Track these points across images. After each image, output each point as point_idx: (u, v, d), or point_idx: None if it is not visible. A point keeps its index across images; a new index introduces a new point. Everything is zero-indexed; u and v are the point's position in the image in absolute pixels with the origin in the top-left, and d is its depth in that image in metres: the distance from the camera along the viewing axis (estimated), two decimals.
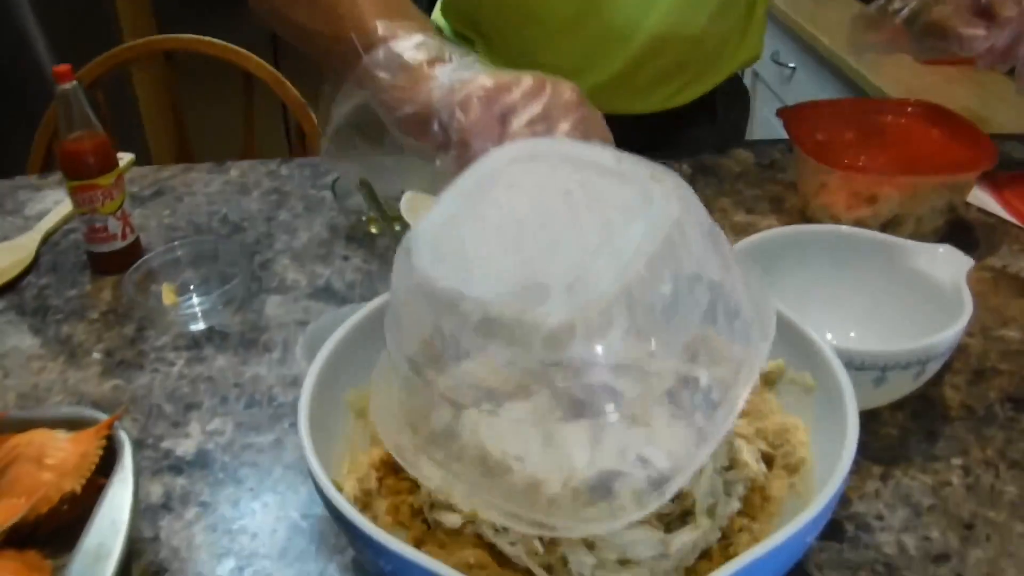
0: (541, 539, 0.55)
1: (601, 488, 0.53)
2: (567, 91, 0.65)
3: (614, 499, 0.53)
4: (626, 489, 0.53)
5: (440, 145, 0.66)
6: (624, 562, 0.55)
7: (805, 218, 1.04)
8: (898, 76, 1.64)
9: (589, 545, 0.55)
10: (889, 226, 0.97)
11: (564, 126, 0.63)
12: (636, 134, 1.21)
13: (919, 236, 0.87)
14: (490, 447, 0.56)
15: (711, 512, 0.58)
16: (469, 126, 0.63)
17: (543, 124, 0.63)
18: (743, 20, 1.19)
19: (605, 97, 1.16)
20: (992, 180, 1.10)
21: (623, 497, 0.53)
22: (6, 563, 0.62)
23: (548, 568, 0.56)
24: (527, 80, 0.65)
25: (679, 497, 0.55)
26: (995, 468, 0.73)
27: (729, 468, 0.60)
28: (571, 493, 0.53)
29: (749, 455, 0.61)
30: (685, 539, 0.55)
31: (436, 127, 0.66)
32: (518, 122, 0.63)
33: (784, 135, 1.04)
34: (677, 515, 0.57)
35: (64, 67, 0.94)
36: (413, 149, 0.70)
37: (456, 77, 0.67)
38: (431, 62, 0.69)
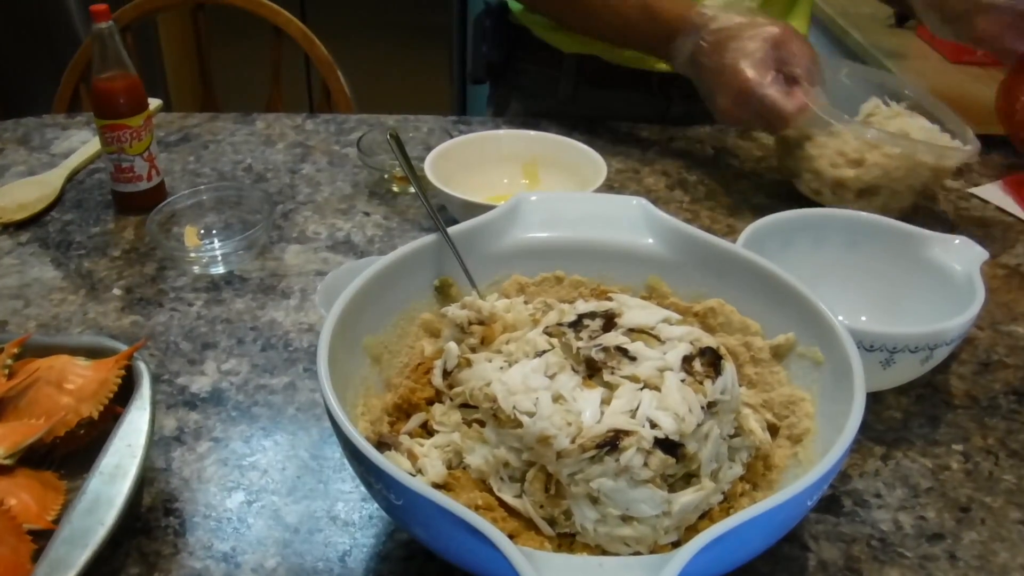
0: (547, 488, 0.57)
1: (609, 444, 0.54)
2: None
3: (621, 455, 0.54)
4: (633, 447, 0.54)
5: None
6: (626, 518, 0.56)
7: (786, 173, 1.06)
8: (924, 73, 1.64)
9: (593, 500, 0.56)
10: (864, 195, 0.98)
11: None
12: (677, 98, 1.23)
13: (888, 212, 0.87)
14: (502, 402, 0.57)
15: (715, 476, 0.59)
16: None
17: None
18: (788, 4, 1.21)
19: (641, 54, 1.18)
20: (1011, 178, 1.11)
21: (629, 454, 0.54)
22: (23, 480, 0.63)
23: (551, 521, 0.58)
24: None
25: (684, 459, 0.57)
26: (995, 456, 0.74)
27: (735, 435, 0.62)
28: (579, 448, 0.54)
29: (755, 423, 0.62)
30: (687, 499, 0.57)
31: None
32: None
33: None
34: (681, 476, 0.58)
35: (101, 6, 0.95)
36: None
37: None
38: None
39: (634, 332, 0.62)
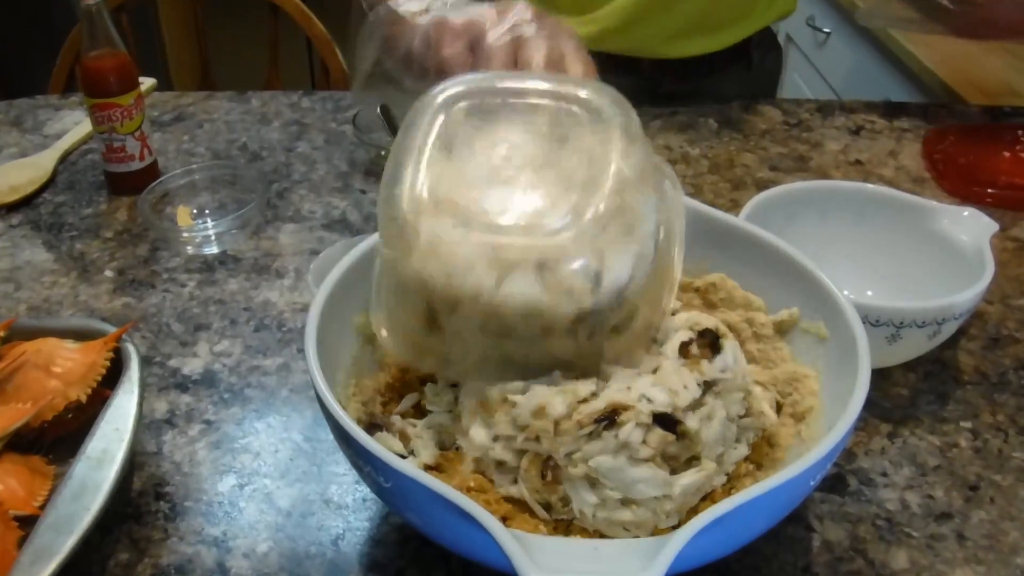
0: (543, 475, 0.55)
1: (607, 419, 0.53)
2: (525, 9, 0.73)
3: (619, 430, 0.53)
4: (631, 421, 0.53)
5: (429, 80, 0.71)
6: (627, 502, 0.54)
7: None
8: (933, 44, 1.61)
9: (592, 482, 0.54)
10: None
11: (529, 31, 0.71)
12: (670, 78, 1.20)
13: None
14: (490, 388, 0.56)
15: (719, 459, 0.58)
16: (443, 59, 0.72)
17: (508, 35, 0.71)
18: None
19: (637, 40, 1.15)
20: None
21: (628, 429, 0.53)
22: (10, 466, 0.62)
23: (547, 506, 0.56)
24: (490, 10, 0.73)
25: (687, 440, 0.55)
26: (1004, 433, 0.72)
27: (744, 416, 0.60)
28: (576, 425, 0.53)
29: (767, 404, 0.61)
30: (689, 480, 0.55)
31: (417, 65, 0.75)
32: (488, 41, 0.71)
33: (811, 95, 1.03)
34: (684, 460, 0.56)
35: None
36: (414, 87, 0.77)
37: (433, 17, 0.74)
38: (422, 12, 0.77)
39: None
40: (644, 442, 0.53)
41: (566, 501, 0.56)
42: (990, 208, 0.90)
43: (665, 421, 0.54)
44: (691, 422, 0.55)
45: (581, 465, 0.54)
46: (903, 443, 0.71)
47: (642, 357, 0.58)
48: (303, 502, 0.65)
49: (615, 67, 1.19)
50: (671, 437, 0.54)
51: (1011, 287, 0.87)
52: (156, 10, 2.38)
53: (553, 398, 0.53)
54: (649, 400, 0.54)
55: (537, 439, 0.54)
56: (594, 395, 0.54)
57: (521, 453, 0.56)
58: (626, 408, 0.53)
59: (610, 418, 0.53)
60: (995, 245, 0.76)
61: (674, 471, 0.55)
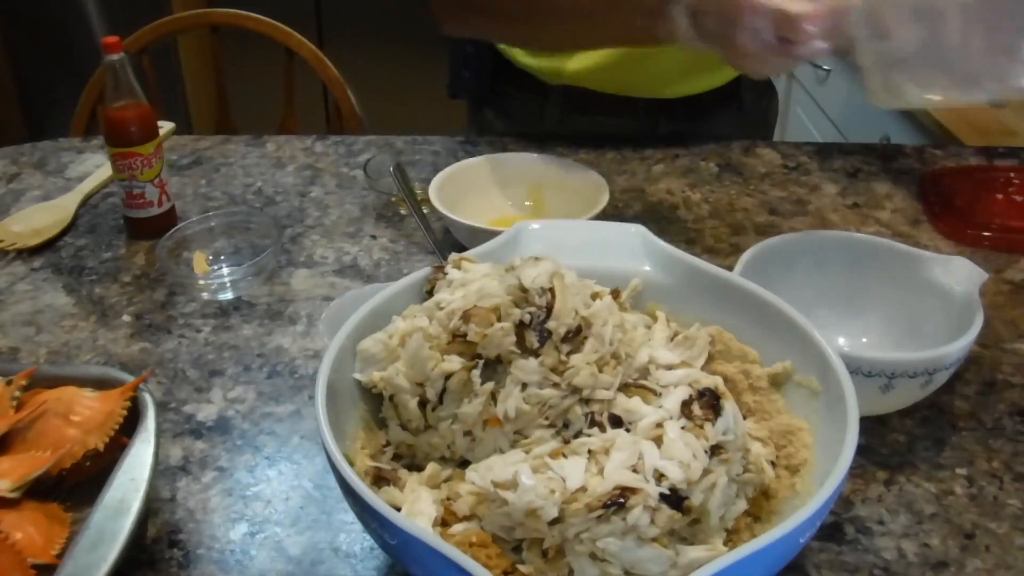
0: (545, 554, 0.56)
1: (615, 504, 0.54)
2: None
3: (628, 514, 0.54)
4: (639, 505, 0.54)
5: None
6: (630, 574, 0.55)
7: None
8: None
9: (596, 558, 0.55)
10: None
11: None
12: (663, 121, 1.23)
13: None
14: (480, 484, 0.57)
15: (722, 519, 0.59)
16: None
17: None
18: None
19: (627, 80, 1.17)
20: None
21: (636, 512, 0.54)
22: (29, 513, 0.64)
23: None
24: None
25: (690, 512, 0.56)
26: (999, 480, 0.73)
27: (744, 472, 0.61)
28: (585, 508, 0.54)
29: (765, 461, 0.62)
30: (696, 555, 0.55)
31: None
32: None
33: (814, 138, 1.05)
34: (687, 524, 0.57)
35: (113, 39, 0.97)
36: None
37: None
38: None
39: (630, 387, 0.63)
40: (652, 522, 0.54)
41: (570, 571, 0.56)
42: (986, 250, 0.92)
43: (672, 500, 0.55)
44: (697, 497, 0.56)
45: (588, 543, 0.54)
46: (900, 490, 0.72)
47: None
48: (313, 550, 0.67)
49: (614, 108, 1.22)
50: (678, 516, 0.55)
51: (1006, 331, 0.89)
52: (177, 52, 2.42)
53: (544, 500, 0.54)
54: (660, 477, 0.55)
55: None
56: (595, 474, 0.55)
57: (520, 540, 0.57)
58: (635, 492, 0.54)
59: (618, 502, 0.53)
60: (989, 288, 0.78)
61: (676, 532, 0.57)
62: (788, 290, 0.68)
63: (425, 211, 0.99)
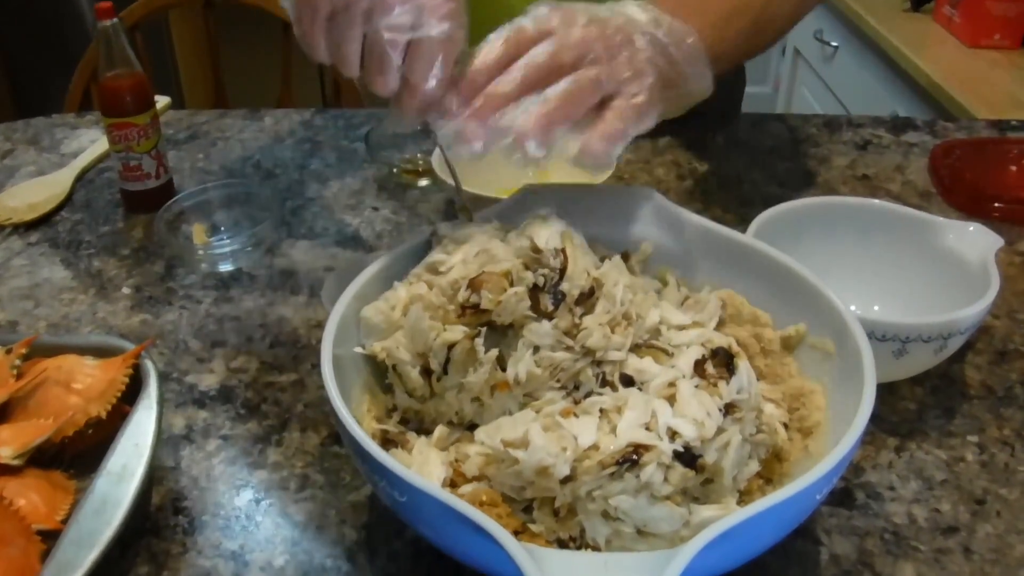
0: (556, 513, 0.56)
1: (628, 461, 0.53)
2: None
3: (641, 471, 0.53)
4: (653, 463, 0.53)
5: None
6: (643, 534, 0.55)
7: None
8: (942, 58, 1.62)
9: (608, 517, 0.54)
10: None
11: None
12: None
13: None
14: (490, 444, 0.56)
15: (735, 480, 0.58)
16: None
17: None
18: None
19: None
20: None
21: (650, 470, 0.53)
22: (32, 481, 0.64)
23: (562, 543, 0.57)
24: None
25: (704, 470, 0.55)
26: (1011, 447, 0.72)
27: (757, 432, 0.60)
28: (598, 465, 0.53)
29: (778, 422, 0.61)
30: (709, 514, 0.55)
31: None
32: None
33: (819, 110, 1.04)
34: (700, 483, 0.56)
35: (106, 3, 0.95)
36: None
37: None
38: None
39: (641, 348, 0.62)
40: (665, 480, 0.53)
41: (583, 532, 0.56)
42: (997, 223, 0.90)
43: (686, 458, 0.54)
44: (711, 455, 0.55)
45: (600, 501, 0.54)
46: (910, 457, 0.71)
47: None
48: (319, 516, 0.66)
49: None
50: (691, 473, 0.54)
51: (1018, 302, 0.88)
52: (168, 28, 2.40)
53: (555, 458, 0.53)
54: (674, 435, 0.54)
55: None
56: (610, 434, 0.55)
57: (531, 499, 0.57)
58: (648, 449, 0.53)
59: (632, 459, 0.53)
60: (1001, 260, 0.77)
61: (690, 492, 0.56)
62: (798, 258, 0.67)
63: (426, 183, 0.97)
